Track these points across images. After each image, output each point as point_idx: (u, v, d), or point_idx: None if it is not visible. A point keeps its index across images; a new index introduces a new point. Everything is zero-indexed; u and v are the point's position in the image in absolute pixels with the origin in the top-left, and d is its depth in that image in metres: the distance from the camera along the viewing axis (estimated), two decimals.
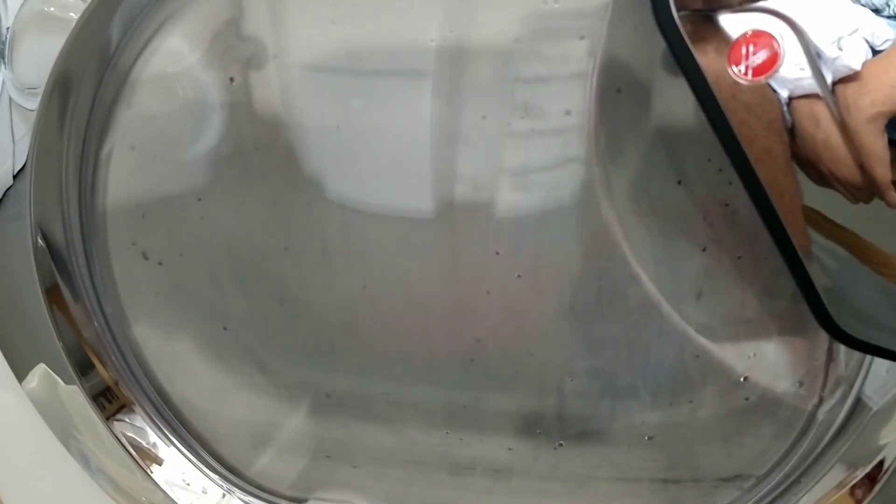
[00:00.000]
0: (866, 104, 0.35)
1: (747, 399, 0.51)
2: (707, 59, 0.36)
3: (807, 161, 0.37)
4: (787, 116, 0.37)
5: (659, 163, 0.45)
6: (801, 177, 0.38)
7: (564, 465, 0.55)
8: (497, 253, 0.49)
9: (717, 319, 0.49)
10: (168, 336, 0.55)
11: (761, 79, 0.36)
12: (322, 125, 0.47)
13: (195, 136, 0.48)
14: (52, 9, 0.45)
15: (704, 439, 0.53)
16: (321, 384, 0.55)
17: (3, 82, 0.47)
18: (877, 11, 0.35)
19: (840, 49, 0.35)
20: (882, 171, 0.36)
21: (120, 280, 0.53)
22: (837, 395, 0.49)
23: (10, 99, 0.47)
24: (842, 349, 0.49)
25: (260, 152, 0.48)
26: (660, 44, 0.38)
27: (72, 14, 0.44)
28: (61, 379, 0.53)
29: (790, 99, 0.36)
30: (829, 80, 0.36)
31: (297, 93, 0.47)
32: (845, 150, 0.36)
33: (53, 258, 0.51)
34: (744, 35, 0.36)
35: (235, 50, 0.46)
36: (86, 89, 0.47)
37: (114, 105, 0.48)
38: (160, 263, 0.52)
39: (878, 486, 0.48)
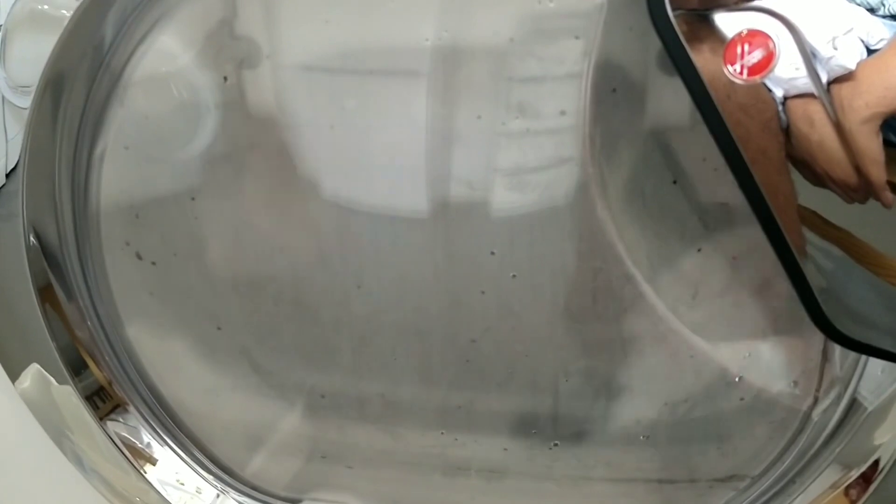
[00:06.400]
0: (861, 105, 0.35)
1: (742, 399, 0.51)
2: (702, 58, 0.36)
3: (802, 161, 0.37)
4: (783, 116, 0.37)
5: (654, 163, 0.45)
6: (797, 177, 0.38)
7: (559, 465, 0.55)
8: (492, 253, 0.49)
9: (712, 320, 0.49)
10: (162, 336, 0.54)
11: (757, 78, 0.36)
12: (316, 125, 0.47)
13: (189, 136, 0.48)
14: (45, 7, 0.45)
15: (699, 439, 0.53)
16: (316, 385, 0.55)
17: None
18: (872, 11, 0.35)
19: (835, 48, 0.35)
20: (877, 172, 0.36)
21: (113, 280, 0.53)
22: (832, 395, 0.50)
23: (3, 97, 0.47)
24: (837, 349, 0.49)
25: (254, 152, 0.48)
26: (655, 43, 0.38)
27: (64, 12, 0.44)
28: (54, 379, 0.53)
29: (785, 99, 0.36)
30: (823, 79, 0.36)
31: (291, 92, 0.47)
32: (840, 150, 0.36)
33: (46, 258, 0.51)
34: (739, 34, 0.36)
35: (229, 49, 0.46)
36: (79, 88, 0.47)
37: (107, 104, 0.48)
38: (154, 263, 0.52)
39: (872, 487, 0.48)
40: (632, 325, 0.50)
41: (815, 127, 0.36)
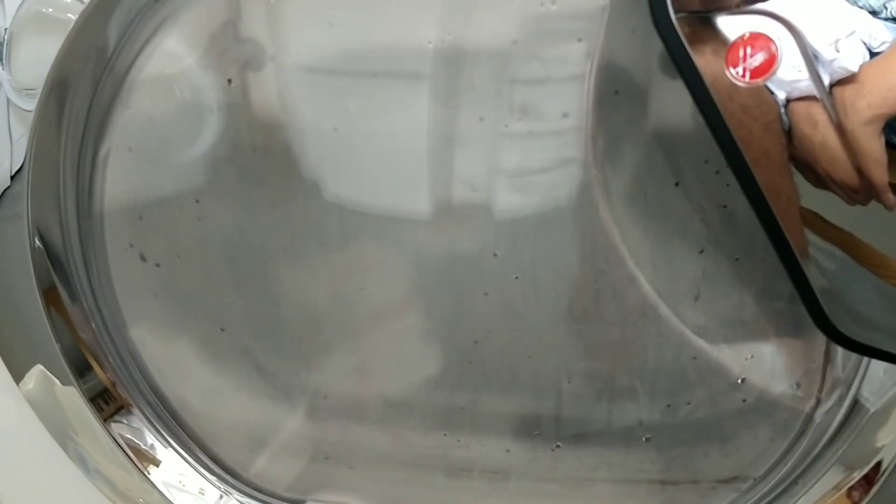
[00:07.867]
0: (863, 107, 0.35)
1: (745, 401, 0.51)
2: (704, 60, 0.36)
3: (804, 163, 0.37)
4: (785, 118, 0.37)
5: (656, 165, 0.45)
6: (799, 178, 0.38)
7: (562, 466, 0.55)
8: (495, 254, 0.49)
9: (714, 321, 0.49)
10: (166, 337, 0.55)
11: (759, 81, 0.36)
12: (320, 127, 0.47)
13: (193, 138, 0.48)
14: (50, 10, 0.45)
15: (702, 441, 0.53)
16: (319, 386, 0.55)
17: (1, 83, 0.47)
18: (874, 13, 0.35)
19: (837, 51, 0.35)
20: (879, 174, 0.36)
21: (117, 281, 0.53)
22: (835, 396, 0.50)
23: (8, 100, 0.47)
24: (839, 351, 0.49)
25: (258, 154, 0.48)
26: (657, 46, 0.38)
27: (69, 15, 0.44)
28: (59, 380, 0.53)
29: (787, 101, 0.36)
30: (826, 82, 0.36)
31: (294, 94, 0.47)
32: (843, 152, 0.36)
33: (51, 259, 0.51)
34: (741, 37, 0.36)
35: (233, 52, 0.46)
36: (83, 90, 0.47)
37: (111, 106, 0.48)
38: (158, 265, 0.52)
39: (875, 488, 0.48)
40: (634, 327, 0.50)
41: (818, 129, 0.36)
